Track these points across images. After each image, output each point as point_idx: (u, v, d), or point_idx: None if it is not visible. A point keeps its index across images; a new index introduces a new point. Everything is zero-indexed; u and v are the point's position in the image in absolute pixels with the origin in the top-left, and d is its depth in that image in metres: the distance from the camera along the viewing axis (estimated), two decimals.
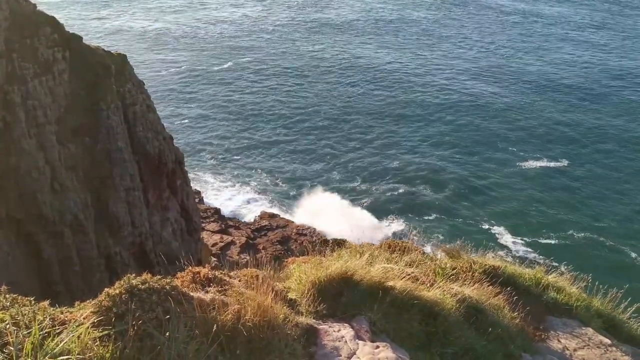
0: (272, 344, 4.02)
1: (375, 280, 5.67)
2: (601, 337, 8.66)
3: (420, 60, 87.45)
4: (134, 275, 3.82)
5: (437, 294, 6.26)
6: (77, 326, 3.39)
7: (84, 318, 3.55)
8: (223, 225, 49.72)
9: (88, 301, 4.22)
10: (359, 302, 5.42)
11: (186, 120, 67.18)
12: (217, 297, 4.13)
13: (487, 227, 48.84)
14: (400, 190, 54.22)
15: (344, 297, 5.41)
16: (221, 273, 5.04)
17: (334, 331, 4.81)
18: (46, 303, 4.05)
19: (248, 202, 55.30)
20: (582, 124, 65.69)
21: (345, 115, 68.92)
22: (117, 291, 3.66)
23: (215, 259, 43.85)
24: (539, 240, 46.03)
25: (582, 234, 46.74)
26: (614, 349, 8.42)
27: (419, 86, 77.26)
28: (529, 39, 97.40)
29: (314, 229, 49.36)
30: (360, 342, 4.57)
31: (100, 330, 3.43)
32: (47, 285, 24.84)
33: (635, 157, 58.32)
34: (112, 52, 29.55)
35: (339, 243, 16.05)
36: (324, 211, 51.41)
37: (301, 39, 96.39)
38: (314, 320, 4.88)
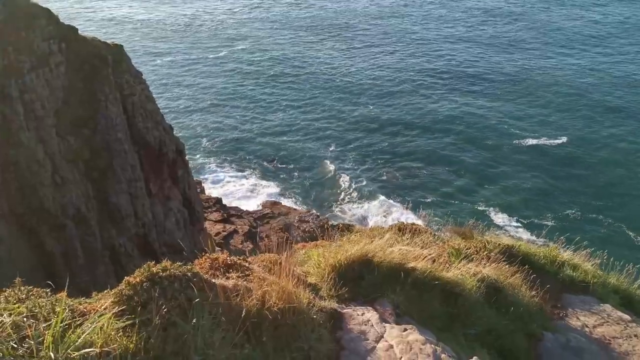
0: (298, 329, 3.88)
1: (395, 262, 5.53)
2: (620, 314, 8.55)
3: (413, 37, 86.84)
4: (153, 262, 3.67)
5: (458, 274, 6.12)
6: (98, 317, 3.23)
7: (104, 308, 3.40)
8: (225, 215, 49.61)
9: (106, 291, 4.07)
10: (380, 285, 5.28)
11: (184, 110, 66.82)
12: (239, 282, 3.98)
13: (483, 207, 48.69)
14: (396, 173, 54.01)
15: (364, 280, 5.27)
16: (239, 259, 4.89)
17: (359, 315, 4.67)
18: (64, 294, 3.90)
19: (250, 190, 55.24)
20: (578, 101, 65.34)
21: (342, 102, 68.55)
22: (138, 279, 3.50)
23: (219, 248, 43.82)
24: (539, 220, 45.94)
25: (584, 211, 46.61)
26: (634, 324, 8.30)
27: (410, 65, 76.77)
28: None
29: (317, 215, 49.33)
30: (387, 325, 4.43)
31: (123, 320, 3.28)
32: (52, 278, 24.70)
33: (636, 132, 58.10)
34: (108, 42, 29.18)
35: (347, 228, 15.92)
36: (323, 197, 51.40)
37: (298, 28, 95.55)
38: (337, 305, 4.73)
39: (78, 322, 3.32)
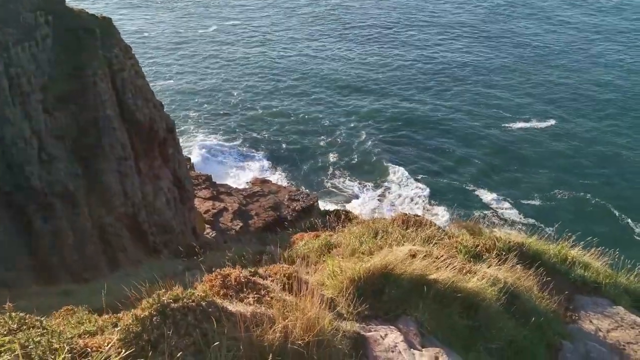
0: None
1: (417, 274, 5.16)
2: (634, 317, 8.30)
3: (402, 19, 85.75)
4: (162, 291, 3.23)
5: (479, 284, 5.77)
6: (103, 359, 2.82)
7: (109, 346, 2.97)
8: (215, 192, 49.12)
9: (108, 318, 3.63)
10: (401, 300, 4.92)
11: (174, 86, 65.66)
12: (258, 310, 3.57)
13: (472, 187, 48.62)
14: (384, 155, 53.65)
15: (385, 295, 4.89)
16: (251, 272, 4.47)
17: (381, 336, 4.29)
18: (59, 321, 3.46)
19: (240, 167, 54.85)
20: (567, 84, 65.10)
21: (328, 80, 67.69)
22: (147, 312, 3.07)
23: (209, 226, 43.47)
24: (528, 202, 46.03)
25: (574, 194, 46.71)
26: None
27: (391, 42, 75.92)
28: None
29: (307, 194, 49.02)
30: (416, 353, 4.06)
31: None
32: (40, 258, 24.23)
33: (624, 114, 58.03)
34: (96, 15, 28.18)
35: (346, 215, 15.54)
36: (313, 175, 51.18)
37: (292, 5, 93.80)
38: (359, 325, 4.35)
39: None
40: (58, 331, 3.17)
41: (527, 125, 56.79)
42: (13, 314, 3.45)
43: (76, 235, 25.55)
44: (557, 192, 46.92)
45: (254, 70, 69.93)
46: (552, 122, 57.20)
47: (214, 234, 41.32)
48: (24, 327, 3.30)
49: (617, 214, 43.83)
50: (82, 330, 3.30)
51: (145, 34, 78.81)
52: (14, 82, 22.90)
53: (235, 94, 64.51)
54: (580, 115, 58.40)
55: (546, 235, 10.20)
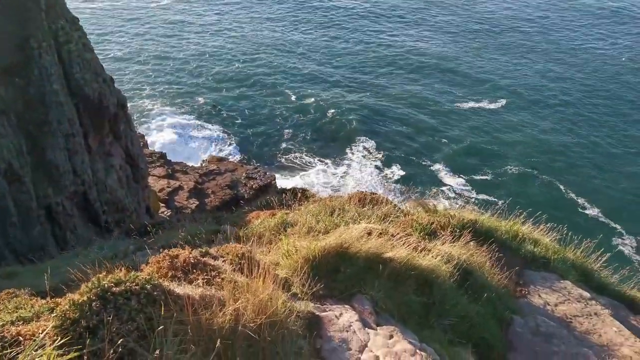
0: (275, 344, 3.38)
1: (372, 252, 5.09)
2: (580, 291, 8.57)
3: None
4: (103, 274, 3.02)
5: (433, 261, 5.77)
6: (36, 349, 2.60)
7: (44, 334, 2.76)
8: (170, 170, 48.17)
9: (45, 303, 3.40)
10: (357, 278, 4.85)
11: (125, 60, 63.44)
12: (207, 292, 3.41)
13: (428, 164, 49.40)
14: (345, 133, 53.76)
15: (340, 274, 4.81)
16: (202, 253, 4.29)
17: (336, 316, 4.22)
18: None
19: (195, 145, 53.97)
20: (517, 66, 66.58)
21: (298, 55, 66.97)
22: (86, 297, 2.86)
23: (164, 205, 42.62)
24: (480, 177, 47.12)
25: (519, 170, 48.05)
26: (593, 302, 8.35)
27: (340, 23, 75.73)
28: None
29: (264, 172, 48.69)
30: (371, 332, 4.00)
31: (66, 351, 2.66)
32: None
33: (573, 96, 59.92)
34: None
35: (303, 193, 15.41)
36: (271, 155, 50.91)
37: None
38: (313, 305, 4.25)
39: (11, 355, 2.67)
40: None
41: (478, 105, 57.90)
42: None
43: (21, 214, 24.54)
44: (508, 168, 48.20)
45: (209, 42, 68.31)
46: (503, 102, 58.53)
47: (169, 213, 40.60)
48: None
49: (563, 189, 45.46)
50: (15, 317, 3.06)
51: (94, 5, 75.67)
52: None
53: (190, 67, 62.98)
54: (531, 97, 59.91)
55: (499, 212, 10.38)
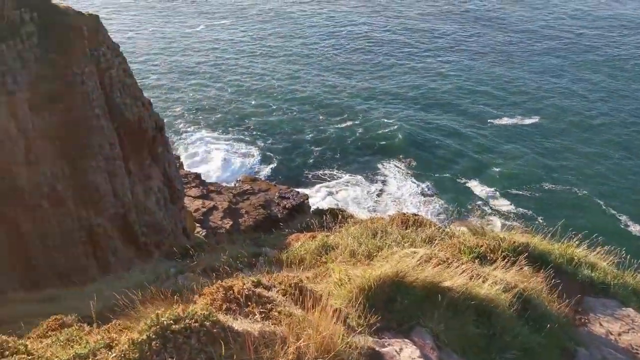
0: None
1: (429, 281, 4.85)
2: None
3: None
4: (162, 310, 2.89)
5: (492, 290, 5.48)
6: None
7: None
8: (204, 191, 48.75)
9: (100, 339, 3.27)
10: (414, 309, 4.61)
11: (161, 85, 64.95)
12: (266, 328, 3.23)
13: (463, 181, 48.45)
14: (368, 152, 53.39)
15: (397, 304, 4.58)
16: (254, 283, 4.14)
17: (397, 351, 3.98)
18: (47, 343, 3.10)
19: (229, 165, 54.74)
20: (551, 82, 65.23)
21: (330, 77, 67.34)
22: (145, 336, 2.73)
23: (199, 225, 42.99)
24: (524, 197, 45.87)
25: (572, 192, 46.56)
26: None
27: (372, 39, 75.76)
28: None
29: (297, 192, 48.77)
30: None
31: None
32: (28, 261, 23.68)
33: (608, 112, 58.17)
34: (83, 12, 27.56)
35: (342, 214, 15.18)
36: (304, 174, 51.09)
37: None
38: (373, 340, 4.03)
39: None
40: (45, 357, 2.81)
41: (513, 121, 56.91)
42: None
43: (64, 237, 25.02)
44: (557, 188, 46.77)
45: (243, 69, 69.37)
46: (537, 118, 57.36)
47: (204, 233, 40.91)
48: (7, 353, 2.94)
49: (615, 212, 43.79)
50: (72, 355, 2.95)
51: (132, 33, 77.96)
52: None
53: (225, 92, 64.01)
54: (568, 111, 58.54)
55: (549, 234, 9.94)
